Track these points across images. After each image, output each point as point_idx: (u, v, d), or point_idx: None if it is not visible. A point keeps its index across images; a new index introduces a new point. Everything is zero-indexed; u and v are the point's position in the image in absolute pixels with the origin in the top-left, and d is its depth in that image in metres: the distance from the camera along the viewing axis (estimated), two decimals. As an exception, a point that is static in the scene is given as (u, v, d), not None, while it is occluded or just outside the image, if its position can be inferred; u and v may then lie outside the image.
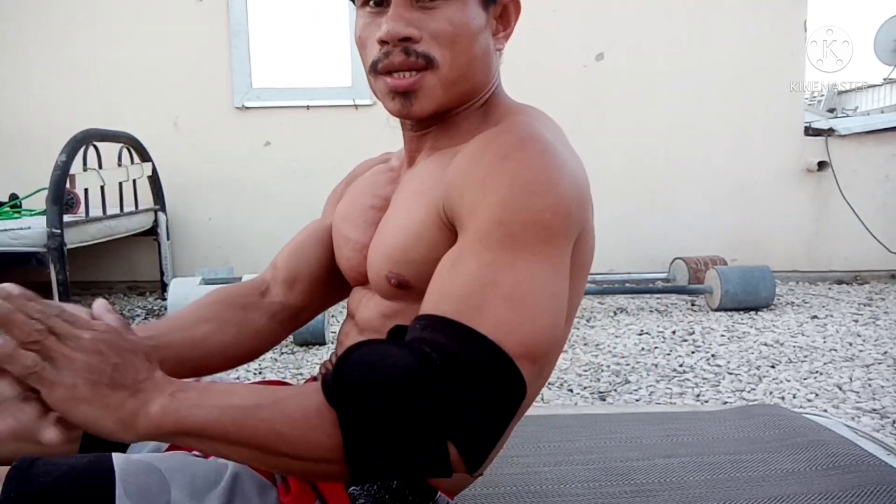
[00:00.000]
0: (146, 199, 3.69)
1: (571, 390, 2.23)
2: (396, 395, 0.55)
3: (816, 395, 2.15)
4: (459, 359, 0.56)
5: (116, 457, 0.68)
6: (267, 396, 0.58)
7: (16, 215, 3.25)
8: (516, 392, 0.58)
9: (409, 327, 0.62)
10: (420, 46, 0.71)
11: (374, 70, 0.74)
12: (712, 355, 2.58)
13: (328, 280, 0.93)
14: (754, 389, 2.21)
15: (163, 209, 3.76)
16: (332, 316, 3.08)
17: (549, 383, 2.16)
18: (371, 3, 0.73)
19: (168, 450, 0.79)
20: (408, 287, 0.72)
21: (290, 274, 0.94)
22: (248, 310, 0.91)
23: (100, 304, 0.64)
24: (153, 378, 0.57)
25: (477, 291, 0.60)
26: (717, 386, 2.25)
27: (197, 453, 0.73)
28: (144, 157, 3.60)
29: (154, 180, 3.70)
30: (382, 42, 0.72)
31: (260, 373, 2.48)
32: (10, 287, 0.55)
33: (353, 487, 0.74)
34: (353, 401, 0.56)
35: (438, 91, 0.73)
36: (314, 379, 0.88)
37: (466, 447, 0.56)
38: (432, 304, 0.62)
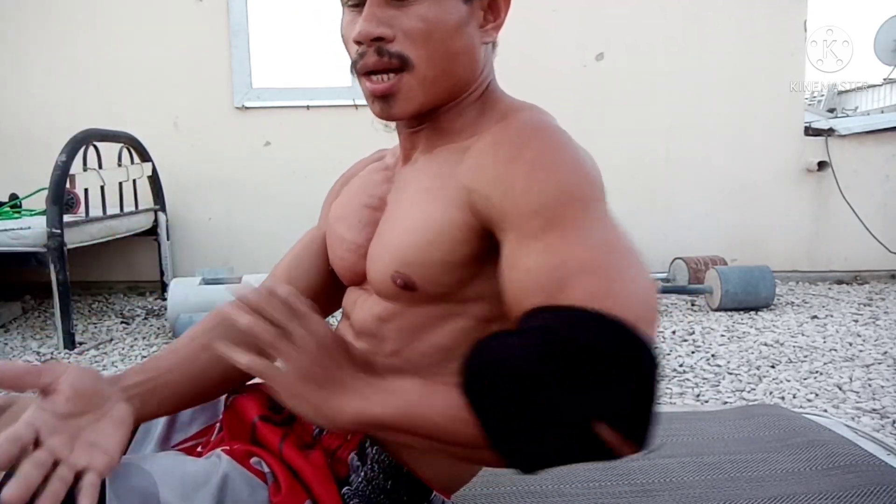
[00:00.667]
0: (146, 199, 3.69)
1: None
2: (519, 384, 0.54)
3: (816, 395, 2.15)
4: (569, 338, 0.54)
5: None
6: (424, 394, 0.60)
7: (16, 215, 3.25)
8: (645, 352, 0.55)
9: (504, 331, 0.61)
10: (393, 46, 0.70)
11: (355, 70, 0.74)
12: (712, 355, 2.58)
13: (328, 290, 0.91)
14: (754, 389, 2.21)
15: (163, 209, 3.76)
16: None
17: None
18: (350, 1, 0.73)
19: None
20: (412, 289, 0.71)
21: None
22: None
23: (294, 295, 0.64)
24: (353, 381, 0.61)
25: (553, 276, 0.58)
26: (717, 386, 2.25)
27: (191, 459, 0.73)
28: (144, 157, 3.60)
29: (154, 180, 3.70)
30: (357, 42, 0.71)
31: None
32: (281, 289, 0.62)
33: (345, 488, 0.74)
34: (481, 395, 0.55)
35: (417, 91, 0.72)
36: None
37: (618, 422, 0.53)
38: (519, 309, 0.60)
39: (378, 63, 0.70)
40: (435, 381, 0.60)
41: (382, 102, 0.73)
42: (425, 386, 0.60)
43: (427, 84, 0.72)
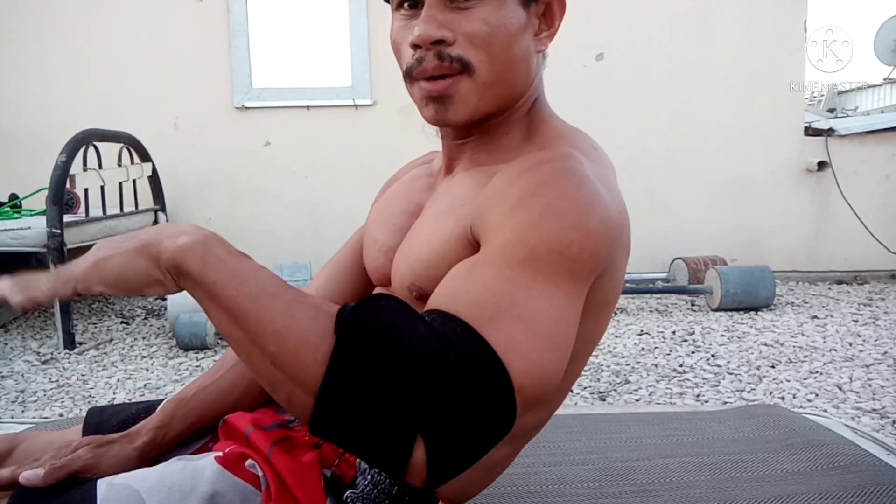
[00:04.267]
0: (146, 199, 3.69)
1: (571, 390, 2.23)
2: (401, 366, 0.52)
3: (816, 395, 2.15)
4: (468, 364, 0.54)
5: (99, 486, 0.68)
6: (290, 292, 0.57)
7: (16, 215, 3.25)
8: (506, 419, 0.55)
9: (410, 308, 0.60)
10: (454, 50, 0.67)
11: (410, 76, 0.71)
12: (712, 355, 2.58)
13: (369, 290, 0.91)
14: (754, 389, 2.21)
15: (163, 209, 3.76)
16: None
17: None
18: (406, 5, 0.71)
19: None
20: (427, 300, 0.72)
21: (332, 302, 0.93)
22: None
23: None
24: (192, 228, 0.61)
25: (493, 303, 0.58)
26: (717, 386, 2.25)
27: (179, 466, 0.72)
28: (144, 157, 3.60)
29: (154, 180, 3.70)
30: (415, 46, 0.69)
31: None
32: None
33: (349, 491, 0.73)
34: (356, 345, 0.53)
35: (474, 96, 0.69)
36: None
37: (436, 452, 0.53)
38: (444, 301, 0.60)
39: (438, 68, 0.68)
40: (295, 289, 0.59)
41: (438, 105, 0.70)
42: (287, 287, 0.58)
43: (485, 89, 0.69)
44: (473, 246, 0.66)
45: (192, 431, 0.84)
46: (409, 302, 0.72)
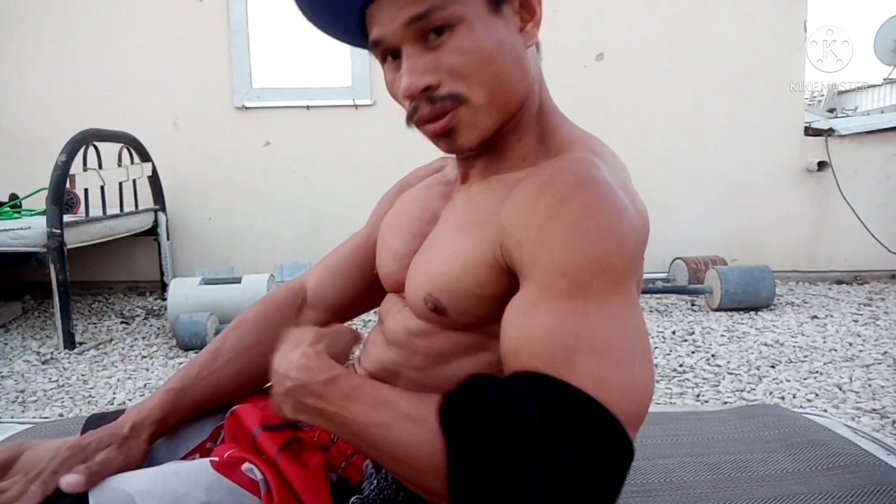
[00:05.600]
0: (146, 199, 3.69)
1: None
2: (515, 455, 0.53)
3: (816, 395, 2.15)
4: (573, 422, 0.54)
5: (92, 495, 0.68)
6: (381, 416, 0.60)
7: (16, 215, 3.25)
8: (625, 456, 0.55)
9: (496, 377, 0.61)
10: (442, 90, 0.68)
11: (413, 122, 0.72)
12: (712, 355, 2.58)
13: (364, 293, 0.92)
14: (754, 389, 2.21)
15: (163, 209, 3.76)
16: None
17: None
18: (388, 57, 0.72)
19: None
20: (442, 313, 0.71)
21: (328, 300, 0.93)
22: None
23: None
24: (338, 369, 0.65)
25: (561, 345, 0.58)
26: (717, 386, 2.25)
27: (173, 469, 0.72)
28: (144, 157, 3.60)
29: (154, 180, 3.70)
30: (408, 97, 0.70)
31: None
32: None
33: (354, 496, 0.72)
34: (467, 445, 0.56)
35: (478, 119, 0.70)
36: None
37: None
38: (516, 361, 0.60)
39: (432, 112, 0.69)
40: (389, 404, 0.61)
41: (447, 139, 0.71)
42: (381, 408, 0.61)
43: (485, 110, 0.70)
44: (504, 270, 0.67)
45: (189, 424, 0.84)
46: (422, 311, 0.73)
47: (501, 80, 0.69)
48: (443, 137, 0.71)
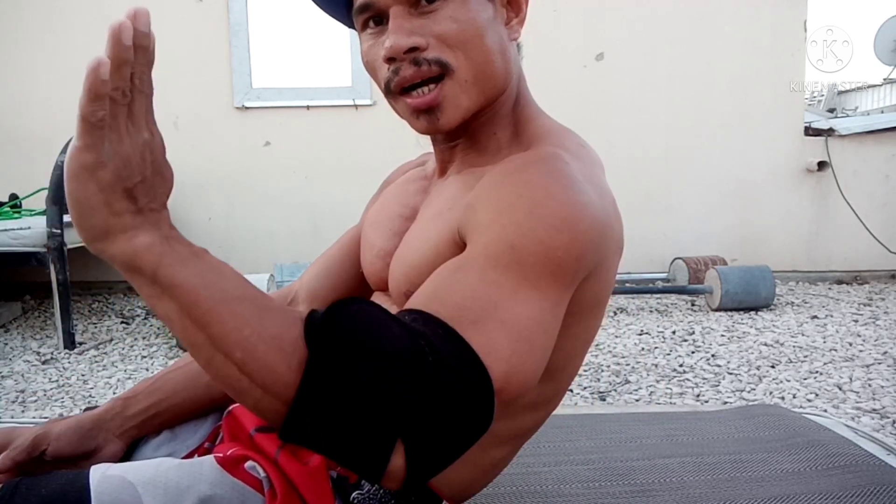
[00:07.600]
0: (146, 199, 3.69)
1: (571, 390, 2.23)
2: (377, 369, 0.50)
3: (816, 395, 2.15)
4: (448, 366, 0.53)
5: (92, 475, 0.68)
6: (255, 296, 0.53)
7: (16, 215, 3.25)
8: (484, 422, 0.54)
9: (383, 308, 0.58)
10: (429, 53, 0.66)
11: (389, 91, 0.70)
12: (712, 355, 2.58)
13: (359, 292, 0.91)
14: (754, 389, 2.21)
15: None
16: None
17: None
18: (371, 23, 0.70)
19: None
20: None
21: (320, 297, 0.92)
22: None
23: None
24: (162, 214, 0.54)
25: (476, 306, 0.57)
26: (717, 386, 2.25)
27: (176, 463, 0.72)
28: (144, 157, 3.60)
29: (154, 180, 3.70)
30: (389, 60, 0.67)
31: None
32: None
33: (356, 492, 0.72)
34: (331, 351, 0.51)
35: (461, 97, 0.69)
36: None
37: (415, 455, 0.52)
38: (424, 302, 0.58)
39: (417, 73, 0.66)
40: (261, 292, 0.55)
41: (428, 116, 0.69)
42: (253, 289, 0.54)
43: (469, 87, 0.68)
44: (461, 248, 0.65)
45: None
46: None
47: (487, 59, 0.69)
48: (424, 114, 0.69)
